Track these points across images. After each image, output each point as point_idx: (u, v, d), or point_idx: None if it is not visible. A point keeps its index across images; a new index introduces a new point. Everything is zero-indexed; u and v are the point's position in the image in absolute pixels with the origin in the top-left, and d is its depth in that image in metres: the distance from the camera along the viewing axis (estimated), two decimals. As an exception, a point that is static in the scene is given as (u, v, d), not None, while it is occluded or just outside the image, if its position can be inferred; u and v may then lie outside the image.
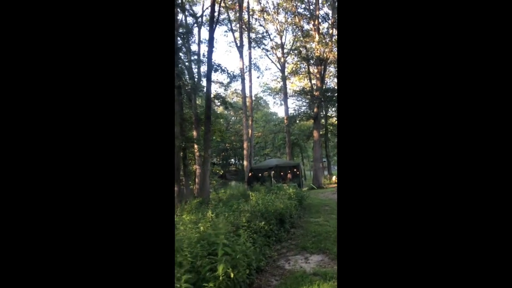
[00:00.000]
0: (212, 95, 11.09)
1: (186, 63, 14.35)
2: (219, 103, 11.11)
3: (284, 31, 21.40)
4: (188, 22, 14.79)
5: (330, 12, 16.67)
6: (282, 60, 21.34)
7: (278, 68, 22.14)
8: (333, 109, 23.73)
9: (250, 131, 16.71)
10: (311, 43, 16.44)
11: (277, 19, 21.21)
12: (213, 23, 10.64)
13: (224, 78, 26.56)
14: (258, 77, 34.31)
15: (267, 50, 20.76)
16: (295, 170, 14.22)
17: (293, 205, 6.30)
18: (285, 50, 20.76)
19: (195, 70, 14.05)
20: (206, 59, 10.95)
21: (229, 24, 17.27)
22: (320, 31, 16.14)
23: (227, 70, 10.91)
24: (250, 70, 17.17)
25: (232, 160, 33.37)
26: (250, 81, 16.81)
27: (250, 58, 17.64)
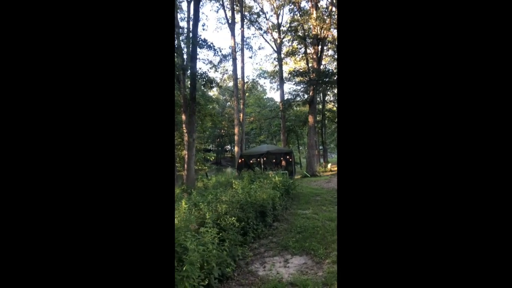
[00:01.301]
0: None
1: (175, 40, 13.29)
2: (203, 83, 10.09)
3: (282, 11, 20.15)
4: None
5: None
6: (278, 41, 20.19)
7: (274, 50, 21.01)
8: (331, 94, 22.80)
9: (241, 115, 15.79)
10: (309, 23, 15.29)
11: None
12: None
13: (214, 58, 25.32)
14: (250, 57, 32.89)
15: (261, 29, 19.54)
16: (287, 157, 13.45)
17: (277, 195, 5.53)
18: (282, 31, 19.57)
19: (185, 50, 12.97)
20: (191, 34, 9.92)
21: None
22: (319, 8, 14.98)
23: (214, 46, 9.88)
24: (242, 50, 16.05)
25: (228, 146, 32.67)
26: (242, 61, 15.76)
27: (242, 36, 16.48)
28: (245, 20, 17.98)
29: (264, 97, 31.16)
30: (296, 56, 20.07)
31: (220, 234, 3.23)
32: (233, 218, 3.83)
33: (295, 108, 24.47)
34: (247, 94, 28.53)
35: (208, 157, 20.62)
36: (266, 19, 20.62)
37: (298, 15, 17.07)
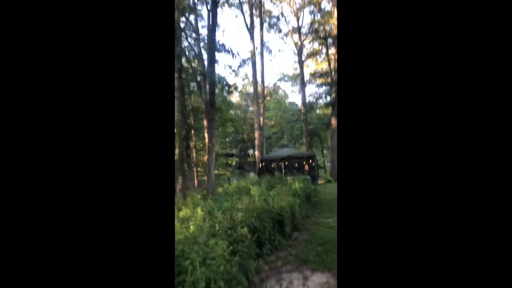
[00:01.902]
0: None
1: (195, 47, 13.43)
2: (221, 88, 9.99)
3: (302, 13, 19.80)
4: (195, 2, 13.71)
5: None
6: (299, 44, 19.82)
7: (294, 52, 20.66)
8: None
9: (261, 119, 15.56)
10: (330, 23, 14.80)
11: (293, -1, 19.62)
12: (215, -3, 9.52)
13: (233, 62, 25.37)
14: (270, 60, 32.67)
15: (280, 31, 19.27)
16: (310, 161, 12.96)
17: (297, 203, 5.18)
18: (303, 33, 19.19)
19: (205, 57, 13.05)
20: (207, 39, 9.91)
21: (237, 2, 15.98)
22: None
23: (231, 50, 9.78)
24: (262, 54, 15.89)
25: (251, 151, 32.64)
26: (262, 65, 15.57)
27: (262, 40, 16.33)
28: (264, 24, 17.86)
29: (286, 101, 30.77)
30: (318, 57, 19.57)
31: (230, 247, 2.96)
32: (245, 229, 3.54)
33: (317, 111, 23.84)
34: (267, 98, 28.40)
35: (230, 162, 20.53)
36: (286, 22, 20.36)
37: (319, 16, 16.65)
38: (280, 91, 32.29)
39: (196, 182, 14.19)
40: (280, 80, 28.19)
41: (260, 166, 13.07)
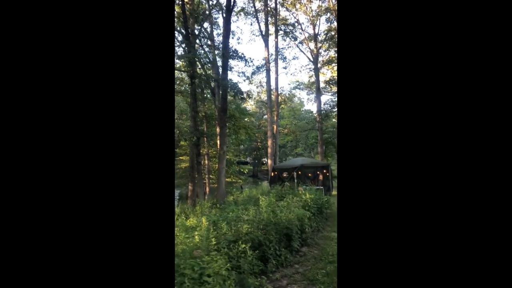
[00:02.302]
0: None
1: (210, 54, 13.50)
2: (233, 94, 9.87)
3: (318, 21, 19.65)
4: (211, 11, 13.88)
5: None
6: (315, 52, 19.61)
7: (310, 60, 20.44)
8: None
9: (275, 127, 15.32)
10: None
11: (310, 7, 19.54)
12: (230, 3, 9.52)
13: (246, 69, 25.44)
14: (284, 68, 32.53)
15: (296, 39, 19.16)
16: (324, 171, 12.51)
17: (307, 216, 4.85)
18: (319, 41, 18.98)
19: (220, 64, 13.09)
20: (222, 46, 9.89)
21: (253, 10, 16.05)
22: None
23: (244, 57, 9.70)
24: (276, 61, 15.77)
25: (265, 159, 32.37)
26: (276, 72, 15.43)
27: (276, 47, 16.25)
28: (280, 31, 17.81)
29: (302, 109, 30.44)
30: (333, 65, 19.22)
31: (228, 265, 2.70)
32: (244, 245, 3.27)
33: (333, 120, 23.34)
34: (282, 106, 28.20)
35: (242, 170, 20.34)
36: (302, 30, 20.26)
37: (335, 23, 16.39)
38: (296, 99, 32.05)
39: (207, 189, 14.06)
40: (295, 88, 27.93)
41: (272, 174, 12.77)
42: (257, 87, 25.66)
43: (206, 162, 14.43)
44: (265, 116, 27.72)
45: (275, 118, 15.88)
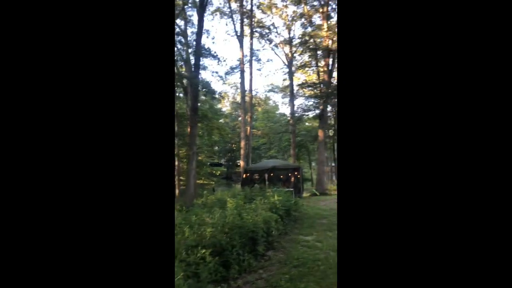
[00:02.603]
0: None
1: (183, 52, 13.04)
2: (204, 93, 9.60)
3: (294, 26, 19.94)
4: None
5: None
6: (289, 55, 19.84)
7: (285, 64, 20.66)
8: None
9: (248, 129, 15.20)
10: (320, 38, 14.79)
11: (285, 12, 19.77)
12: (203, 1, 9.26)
13: (220, 68, 25.10)
14: (259, 69, 32.69)
15: (271, 42, 19.28)
16: (296, 173, 12.60)
17: (274, 218, 4.74)
18: (294, 45, 19.23)
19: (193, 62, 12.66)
20: (195, 43, 9.59)
21: (229, 11, 15.87)
22: (331, 17, 14.55)
23: (217, 55, 9.48)
24: (250, 62, 15.71)
25: (239, 161, 32.08)
26: (250, 74, 15.37)
27: (251, 49, 16.22)
28: (255, 33, 17.79)
29: (276, 112, 30.65)
30: (307, 69, 19.59)
31: (181, 274, 2.49)
32: (205, 250, 3.08)
33: (306, 124, 23.76)
34: (258, 108, 28.19)
35: (214, 171, 19.95)
36: (277, 33, 20.43)
37: (310, 29, 16.70)
38: (271, 102, 32.28)
39: (177, 191, 13.53)
40: (270, 90, 28.11)
41: (244, 176, 12.62)
42: (231, 87, 25.42)
43: (176, 163, 13.91)
44: (240, 118, 27.60)
45: (249, 119, 15.77)
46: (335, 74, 19.63)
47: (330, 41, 14.20)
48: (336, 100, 15.75)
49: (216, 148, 24.95)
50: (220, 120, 24.90)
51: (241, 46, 14.70)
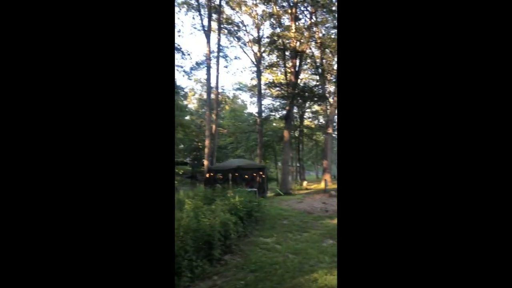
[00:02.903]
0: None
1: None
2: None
3: (263, 25, 19.89)
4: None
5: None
6: (258, 55, 19.75)
7: (253, 62, 20.54)
8: (309, 110, 22.49)
9: (214, 127, 14.81)
10: (288, 38, 14.89)
11: (255, 10, 19.65)
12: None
13: (183, 62, 24.24)
14: (226, 67, 32.31)
15: (239, 39, 19.08)
16: (260, 173, 12.52)
17: (232, 221, 4.53)
18: (262, 45, 19.19)
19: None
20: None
21: (196, 4, 15.31)
22: (299, 19, 14.72)
23: (180, 48, 9.00)
24: (218, 59, 15.30)
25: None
26: (217, 70, 14.96)
27: (219, 45, 15.81)
28: (223, 29, 17.43)
29: (245, 111, 30.46)
30: (275, 70, 19.70)
31: None
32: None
33: (274, 124, 23.91)
34: (226, 106, 27.75)
35: (178, 170, 19.18)
36: (246, 32, 20.25)
37: (279, 29, 16.75)
38: (239, 101, 32.01)
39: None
40: (238, 89, 27.86)
41: (208, 176, 12.24)
42: (196, 83, 24.66)
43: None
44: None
45: (214, 117, 15.37)
46: (302, 75, 20.01)
47: (298, 43, 14.36)
48: (301, 101, 16.02)
49: (181, 146, 24.03)
50: (186, 117, 24.02)
51: (208, 42, 14.25)
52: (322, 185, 15.38)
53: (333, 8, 14.84)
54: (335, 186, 16.45)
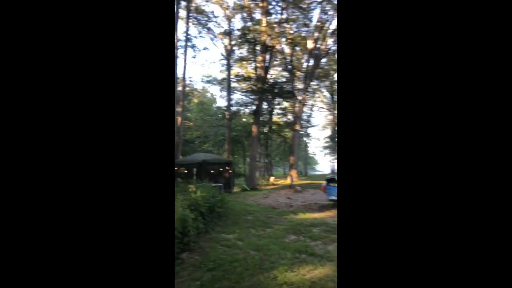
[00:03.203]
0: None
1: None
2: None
3: (234, 18, 19.51)
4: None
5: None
6: (228, 48, 19.36)
7: (223, 55, 20.11)
8: (278, 106, 22.63)
9: (179, 119, 14.24)
10: (259, 33, 14.72)
11: (226, 2, 19.19)
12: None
13: None
14: (194, 57, 31.38)
15: (209, 30, 18.53)
16: (227, 168, 12.29)
17: (191, 217, 4.27)
18: (233, 38, 18.81)
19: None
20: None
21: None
22: (270, 14, 14.61)
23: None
24: (185, 48, 14.69)
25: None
26: (185, 60, 14.40)
27: (187, 34, 15.18)
28: (192, 18, 16.77)
29: (214, 105, 29.84)
30: (245, 64, 19.46)
31: None
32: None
33: (243, 120, 23.72)
34: (195, 99, 26.93)
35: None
36: (217, 23, 19.73)
37: (250, 24, 16.52)
38: (209, 94, 31.29)
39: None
40: (208, 82, 27.16)
41: (172, 170, 11.70)
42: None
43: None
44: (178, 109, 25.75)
45: (180, 109, 14.76)
46: (272, 72, 20.01)
47: (268, 38, 14.26)
48: (270, 97, 16.01)
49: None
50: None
51: (176, 30, 13.58)
52: (288, 180, 15.58)
53: (303, 6, 14.96)
54: (301, 182, 16.77)
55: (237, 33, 17.55)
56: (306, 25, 18.63)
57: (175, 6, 13.96)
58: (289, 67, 18.97)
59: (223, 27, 19.75)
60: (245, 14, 17.08)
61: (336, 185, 8.51)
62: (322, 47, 19.72)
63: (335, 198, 7.63)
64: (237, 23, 27.13)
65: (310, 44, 19.27)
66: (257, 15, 16.45)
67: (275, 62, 19.88)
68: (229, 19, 19.46)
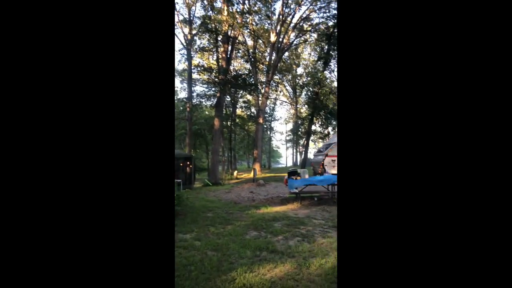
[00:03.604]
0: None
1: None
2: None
3: (195, 6, 18.60)
4: None
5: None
6: (189, 37, 18.45)
7: (183, 45, 19.14)
8: (241, 100, 22.34)
9: (135, 111, 13.23)
10: (221, 22, 14.17)
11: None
12: None
13: None
14: None
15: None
16: (187, 163, 11.76)
17: (141, 218, 3.85)
18: (193, 28, 17.96)
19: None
20: None
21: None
22: (232, 3, 14.13)
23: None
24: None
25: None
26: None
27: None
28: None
29: (176, 97, 28.45)
30: (206, 54, 18.78)
31: None
32: None
33: (206, 113, 23.03)
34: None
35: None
36: (176, 11, 18.65)
37: (211, 12, 15.85)
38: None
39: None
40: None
41: (126, 166, 10.86)
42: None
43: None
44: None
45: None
46: (234, 64, 19.59)
47: (230, 28, 13.82)
48: (233, 89, 15.65)
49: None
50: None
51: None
52: (251, 174, 15.49)
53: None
54: (264, 175, 16.82)
55: (198, 21, 16.77)
56: (268, 17, 18.48)
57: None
58: (252, 59, 18.72)
59: (183, 15, 18.76)
60: (205, 2, 16.35)
61: (297, 178, 8.56)
62: (285, 40, 19.78)
63: (296, 191, 7.66)
64: (198, 11, 26.02)
65: (272, 38, 19.20)
66: (218, 3, 15.87)
67: (238, 54, 19.49)
68: (189, 6, 18.52)
